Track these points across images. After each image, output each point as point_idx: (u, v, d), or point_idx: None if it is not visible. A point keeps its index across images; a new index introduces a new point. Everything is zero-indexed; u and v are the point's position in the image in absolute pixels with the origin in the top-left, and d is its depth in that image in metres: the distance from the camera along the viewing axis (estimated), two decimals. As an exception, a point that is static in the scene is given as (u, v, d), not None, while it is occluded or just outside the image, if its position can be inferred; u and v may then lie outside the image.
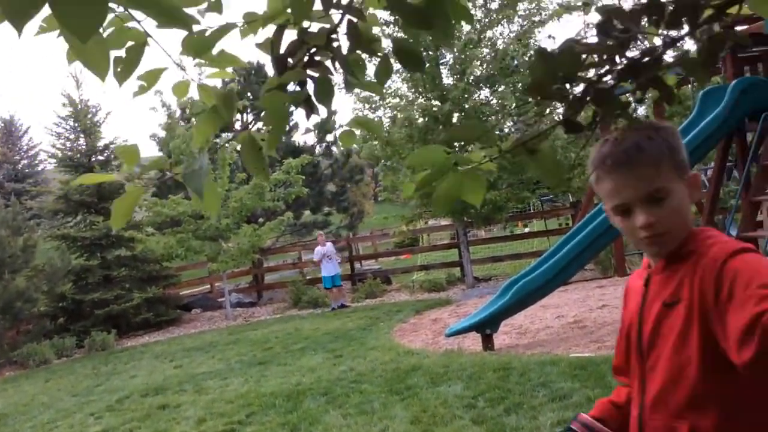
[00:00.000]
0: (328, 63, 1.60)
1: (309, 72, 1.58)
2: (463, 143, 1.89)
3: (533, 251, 15.24)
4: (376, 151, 14.52)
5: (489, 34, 13.60)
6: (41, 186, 20.16)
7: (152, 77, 1.75)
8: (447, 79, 13.49)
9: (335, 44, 1.57)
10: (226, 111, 1.62)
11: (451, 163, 1.63)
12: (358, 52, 1.68)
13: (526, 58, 13.14)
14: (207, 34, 1.60)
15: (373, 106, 14.29)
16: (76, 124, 15.84)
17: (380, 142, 14.18)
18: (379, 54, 1.73)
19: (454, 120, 13.27)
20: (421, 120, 13.55)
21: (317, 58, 1.58)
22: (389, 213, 17.04)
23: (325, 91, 1.62)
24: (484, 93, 13.55)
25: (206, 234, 14.11)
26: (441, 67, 13.46)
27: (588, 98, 1.44)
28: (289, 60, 1.57)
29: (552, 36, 22.73)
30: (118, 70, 1.59)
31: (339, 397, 6.26)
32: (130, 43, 1.58)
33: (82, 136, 15.85)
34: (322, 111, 1.65)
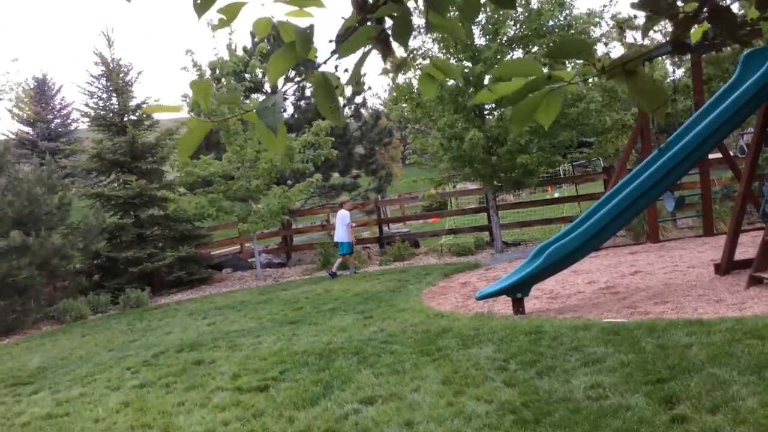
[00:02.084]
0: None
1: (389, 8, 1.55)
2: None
3: (563, 216, 15.13)
4: (406, 113, 14.41)
5: (523, -7, 13.32)
6: (75, 145, 20.37)
7: (232, 11, 1.73)
8: (479, 40, 13.27)
9: None
10: (303, 47, 1.60)
11: (545, 77, 1.59)
12: None
13: (561, 18, 12.87)
14: None
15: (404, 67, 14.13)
16: (109, 84, 15.95)
17: (410, 104, 14.06)
18: None
19: (486, 81, 13.09)
20: (451, 82, 13.39)
21: None
22: (418, 176, 16.94)
23: (404, 29, 1.58)
24: (517, 54, 13.31)
25: (237, 194, 14.22)
26: (473, 26, 13.23)
27: (701, 16, 1.38)
28: None
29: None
30: (198, 1, 1.58)
31: (370, 357, 6.33)
32: None
33: (114, 95, 15.95)
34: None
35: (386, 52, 1.66)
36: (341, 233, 13.62)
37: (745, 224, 9.93)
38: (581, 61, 1.66)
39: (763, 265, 7.29)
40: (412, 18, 1.61)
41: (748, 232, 10.04)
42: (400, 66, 2.08)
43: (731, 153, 12.59)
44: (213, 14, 1.73)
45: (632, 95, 1.60)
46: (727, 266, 8.00)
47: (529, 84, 1.63)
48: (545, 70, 1.66)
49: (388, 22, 1.67)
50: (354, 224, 13.94)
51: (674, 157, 7.77)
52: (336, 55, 1.66)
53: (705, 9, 1.43)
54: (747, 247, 8.70)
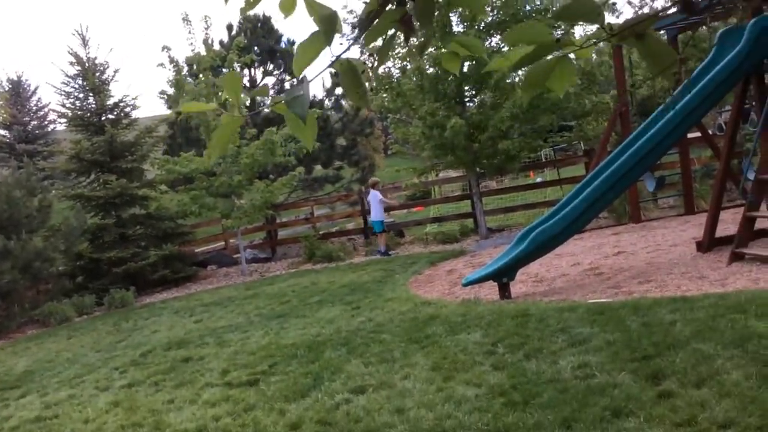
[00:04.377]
0: None
1: None
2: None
3: (546, 200, 15.20)
4: (387, 103, 14.39)
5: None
6: (53, 146, 20.16)
7: None
8: (457, 27, 13.26)
9: None
10: (327, 35, 1.59)
11: (554, 42, 1.59)
12: None
13: (538, 2, 12.89)
14: None
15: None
16: (85, 83, 15.75)
17: (390, 94, 14.04)
18: None
19: (465, 69, 13.09)
20: (431, 70, 13.38)
21: None
22: (400, 166, 16.97)
23: (427, 9, 1.58)
24: (495, 40, 13.32)
25: (219, 191, 14.14)
26: (451, 14, 13.20)
27: None
28: None
29: (563, -20, 22.12)
30: None
31: (359, 347, 6.34)
32: None
33: (91, 94, 15.77)
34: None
35: (410, 34, 1.66)
36: (376, 212, 14.02)
37: (726, 201, 10.02)
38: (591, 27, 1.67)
39: (744, 241, 7.38)
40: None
41: (729, 209, 10.13)
42: (424, 47, 2.07)
43: (710, 131, 12.71)
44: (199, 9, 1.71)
45: (643, 57, 1.61)
46: (708, 243, 8.09)
47: (538, 49, 1.63)
48: (556, 35, 1.66)
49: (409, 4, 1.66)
50: (385, 201, 14.32)
51: (654, 138, 7.83)
52: (360, 41, 1.66)
53: None
54: (728, 224, 8.79)
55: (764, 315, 5.05)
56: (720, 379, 4.10)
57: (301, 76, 1.69)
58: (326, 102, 20.95)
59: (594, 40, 1.67)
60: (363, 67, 1.74)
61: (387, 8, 1.65)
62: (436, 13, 1.75)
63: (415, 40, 1.84)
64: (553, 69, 1.65)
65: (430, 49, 13.32)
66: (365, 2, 1.69)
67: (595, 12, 1.56)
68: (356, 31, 1.68)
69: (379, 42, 1.95)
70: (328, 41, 1.62)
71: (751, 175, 8.09)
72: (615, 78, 12.51)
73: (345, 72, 1.69)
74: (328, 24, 1.61)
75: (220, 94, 14.88)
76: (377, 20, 1.65)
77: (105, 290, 13.41)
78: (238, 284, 13.33)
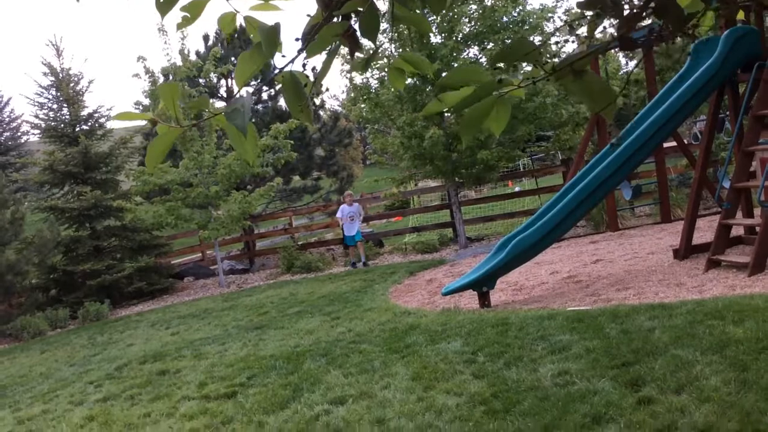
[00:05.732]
0: None
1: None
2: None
3: (525, 210, 15.27)
4: (365, 114, 14.40)
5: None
6: (26, 158, 19.89)
7: (196, 8, 1.67)
8: (435, 38, 13.32)
9: None
10: (269, 48, 1.55)
11: (495, 82, 1.57)
12: None
13: (515, 14, 13.00)
14: None
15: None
16: (59, 94, 15.56)
17: (368, 105, 14.05)
18: None
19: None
20: (409, 80, 13.41)
21: None
22: (379, 176, 16.97)
23: (372, 24, 1.55)
24: (473, 51, 13.40)
25: (196, 202, 14.01)
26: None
27: (647, 11, 1.37)
28: None
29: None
30: (161, 1, 1.52)
31: (339, 358, 6.28)
32: None
33: (65, 105, 15.58)
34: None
35: (354, 49, 1.63)
36: (345, 227, 14.02)
37: (702, 209, 10.14)
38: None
39: (720, 248, 7.45)
40: (379, 12, 1.59)
41: (705, 217, 10.24)
42: (369, 61, 2.04)
43: (685, 141, 12.86)
44: (173, 16, 1.67)
45: (580, 96, 1.59)
46: (685, 251, 8.16)
47: (479, 90, 1.61)
48: (497, 75, 1.64)
49: (354, 18, 1.63)
50: (347, 219, 14.09)
51: (630, 147, 7.89)
52: (303, 54, 1.61)
53: (651, 4, 1.43)
54: (704, 232, 8.88)
55: (741, 321, 5.09)
56: (699, 384, 4.11)
57: (242, 89, 1.66)
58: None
59: (532, 79, 1.66)
60: (306, 81, 1.70)
61: (331, 22, 1.61)
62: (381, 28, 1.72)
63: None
64: (491, 109, 1.63)
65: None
66: (309, 15, 1.65)
67: (534, 53, 1.56)
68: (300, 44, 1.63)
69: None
70: (270, 54, 1.59)
71: (726, 184, 8.18)
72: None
73: (287, 86, 1.65)
74: (269, 37, 1.58)
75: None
76: (320, 33, 1.62)
77: (79, 303, 13.20)
78: (216, 296, 13.20)
